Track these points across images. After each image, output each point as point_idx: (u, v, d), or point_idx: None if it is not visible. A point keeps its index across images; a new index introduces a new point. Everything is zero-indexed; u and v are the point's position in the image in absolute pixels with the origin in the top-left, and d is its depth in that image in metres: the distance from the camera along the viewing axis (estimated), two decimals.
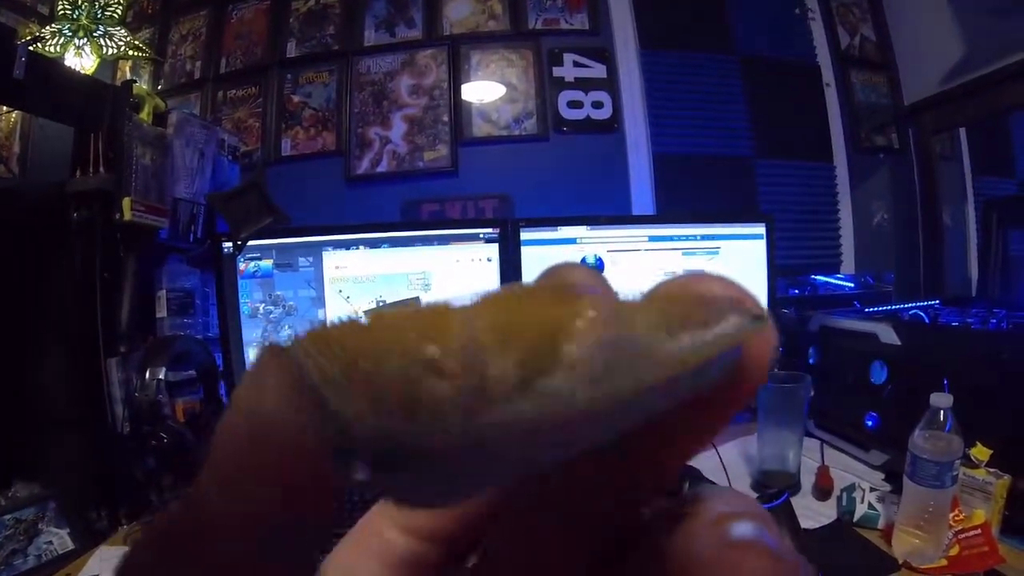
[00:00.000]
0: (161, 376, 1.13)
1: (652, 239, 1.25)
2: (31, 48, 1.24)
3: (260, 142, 1.84)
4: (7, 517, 0.90)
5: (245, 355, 1.20)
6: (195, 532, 0.11)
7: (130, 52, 1.92)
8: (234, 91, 1.89)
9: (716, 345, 0.09)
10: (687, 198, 1.85)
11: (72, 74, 1.42)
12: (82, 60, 1.92)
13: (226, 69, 1.90)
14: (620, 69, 1.86)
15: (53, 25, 1.92)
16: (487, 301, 0.09)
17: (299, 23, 1.90)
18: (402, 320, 0.09)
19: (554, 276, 0.11)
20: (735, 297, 0.11)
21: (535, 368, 0.08)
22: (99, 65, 1.93)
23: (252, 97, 1.87)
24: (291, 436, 0.10)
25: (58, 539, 0.93)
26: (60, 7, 1.93)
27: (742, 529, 0.11)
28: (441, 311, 0.09)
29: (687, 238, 1.25)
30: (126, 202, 1.24)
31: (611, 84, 1.85)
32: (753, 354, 0.11)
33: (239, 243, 1.21)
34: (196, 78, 1.93)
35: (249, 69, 1.90)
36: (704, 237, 1.25)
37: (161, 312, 1.32)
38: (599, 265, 1.26)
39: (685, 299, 0.10)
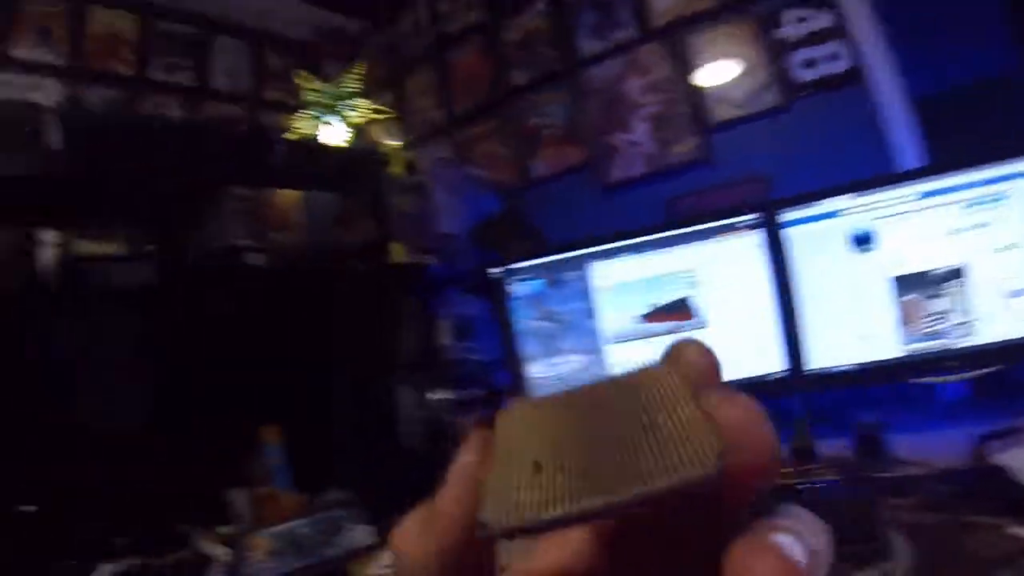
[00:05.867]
0: (447, 396, 1.25)
1: (924, 195, 1.06)
2: (284, 137, 1.47)
3: (509, 170, 1.96)
4: (321, 515, 1.08)
5: (527, 372, 1.27)
6: None
7: (374, 116, 2.19)
8: (475, 128, 2.04)
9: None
10: (960, 141, 1.56)
11: (326, 149, 1.66)
12: (333, 131, 2.23)
13: (462, 110, 2.07)
14: (847, 9, 1.64)
15: (303, 111, 2.27)
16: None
17: (515, 52, 2.00)
18: None
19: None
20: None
21: None
22: (349, 132, 2.23)
23: (493, 131, 2.01)
24: None
25: (360, 533, 1.07)
26: (307, 95, 2.27)
27: (768, 538, 0.12)
28: None
29: (966, 187, 1.03)
30: (396, 247, 1.40)
31: (841, 30, 1.64)
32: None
33: (506, 267, 1.29)
34: (438, 124, 2.13)
35: (483, 105, 2.04)
36: (987, 181, 1.02)
37: (444, 339, 1.47)
38: (868, 238, 1.09)
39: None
